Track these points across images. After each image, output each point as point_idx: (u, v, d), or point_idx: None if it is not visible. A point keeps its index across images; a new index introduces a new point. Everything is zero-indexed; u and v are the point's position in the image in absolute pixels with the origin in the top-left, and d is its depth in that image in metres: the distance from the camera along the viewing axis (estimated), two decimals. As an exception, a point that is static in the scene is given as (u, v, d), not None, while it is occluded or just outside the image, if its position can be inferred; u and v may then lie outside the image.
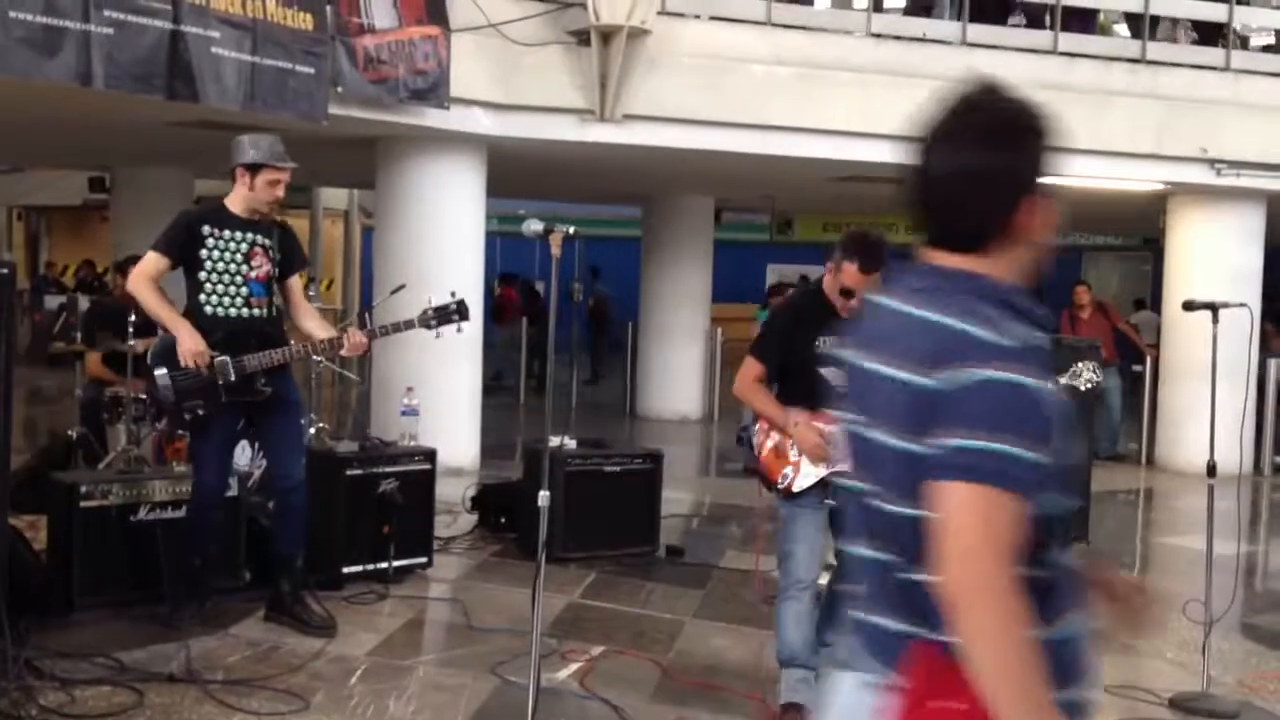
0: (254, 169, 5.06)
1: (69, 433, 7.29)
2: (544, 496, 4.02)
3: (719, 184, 13.38)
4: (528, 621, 3.97)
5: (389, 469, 6.12)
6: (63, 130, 10.08)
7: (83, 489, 5.31)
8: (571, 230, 4.08)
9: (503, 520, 7.26)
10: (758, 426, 4.57)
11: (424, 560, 6.30)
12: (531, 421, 13.31)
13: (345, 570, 5.91)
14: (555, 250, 4.02)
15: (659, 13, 9.27)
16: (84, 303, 13.26)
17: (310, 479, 6.27)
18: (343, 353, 5.24)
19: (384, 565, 6.02)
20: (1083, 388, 5.17)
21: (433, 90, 8.59)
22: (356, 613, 5.57)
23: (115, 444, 7.21)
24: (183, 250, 5.06)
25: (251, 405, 5.15)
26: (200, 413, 5.03)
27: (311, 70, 7.68)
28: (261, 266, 5.14)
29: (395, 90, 8.35)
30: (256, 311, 5.13)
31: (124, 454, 6.92)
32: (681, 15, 9.73)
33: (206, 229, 5.05)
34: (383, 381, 9.57)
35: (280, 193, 5.15)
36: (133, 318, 6.91)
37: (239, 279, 5.09)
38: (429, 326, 5.29)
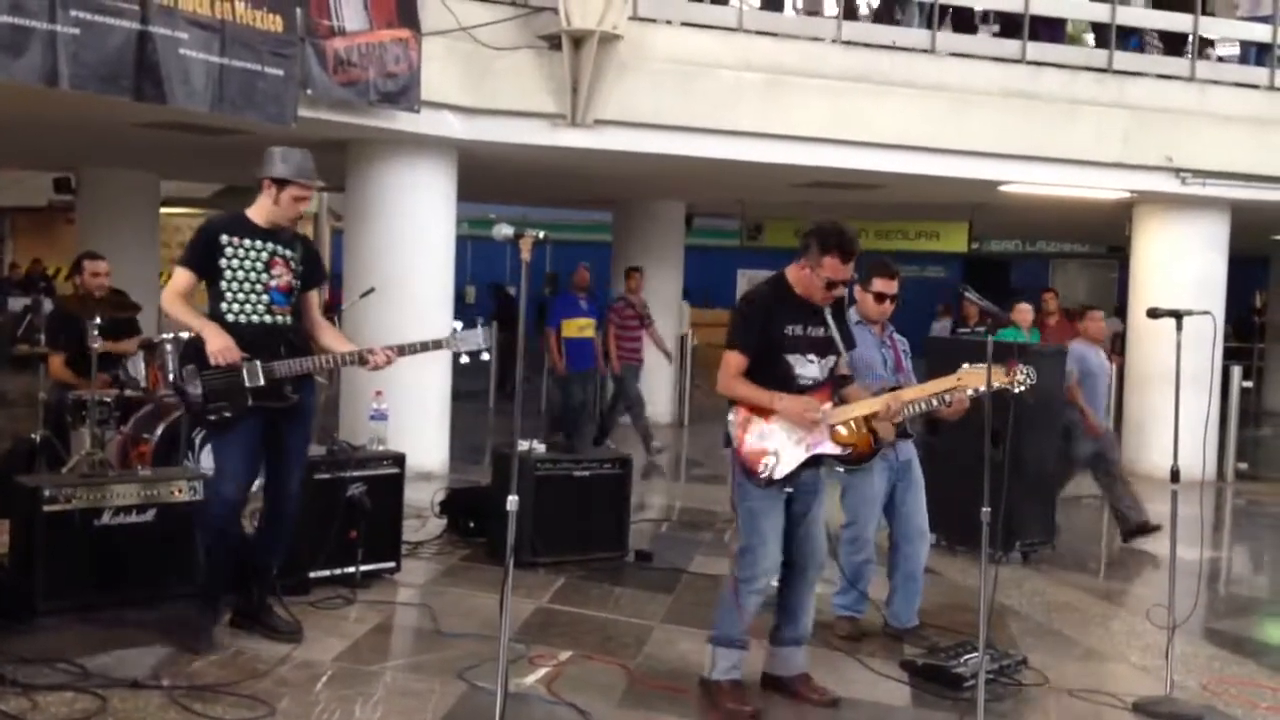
0: (281, 183, 5.04)
1: (33, 436, 7.22)
2: (512, 501, 4.01)
3: (689, 189, 13.41)
4: (496, 626, 3.96)
5: (357, 473, 6.08)
6: (28, 130, 9.99)
7: (46, 493, 5.25)
8: (542, 235, 4.08)
9: (471, 525, 7.24)
10: (734, 419, 4.60)
11: (392, 565, 6.27)
12: (501, 426, 13.29)
13: (312, 575, 5.87)
14: (525, 255, 4.02)
15: (630, 18, 9.29)
16: (48, 305, 13.14)
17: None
18: (372, 367, 5.14)
19: (352, 570, 5.98)
20: (1016, 389, 5.05)
21: (403, 93, 8.57)
22: (324, 618, 5.53)
23: (79, 447, 7.14)
24: (205, 262, 4.99)
25: (275, 412, 5.03)
26: (226, 414, 4.92)
27: (280, 72, 7.64)
28: (282, 276, 5.07)
29: (365, 93, 8.32)
30: (280, 319, 5.05)
31: (88, 457, 6.86)
32: (653, 21, 9.75)
33: (225, 238, 4.99)
34: (351, 385, 9.53)
35: (303, 208, 5.15)
36: (97, 320, 6.85)
37: (259, 286, 5.02)
38: (455, 350, 5.26)
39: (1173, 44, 11.53)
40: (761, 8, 11.01)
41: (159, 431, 7.16)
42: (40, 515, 5.21)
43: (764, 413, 4.55)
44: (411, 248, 9.49)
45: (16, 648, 4.73)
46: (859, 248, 4.57)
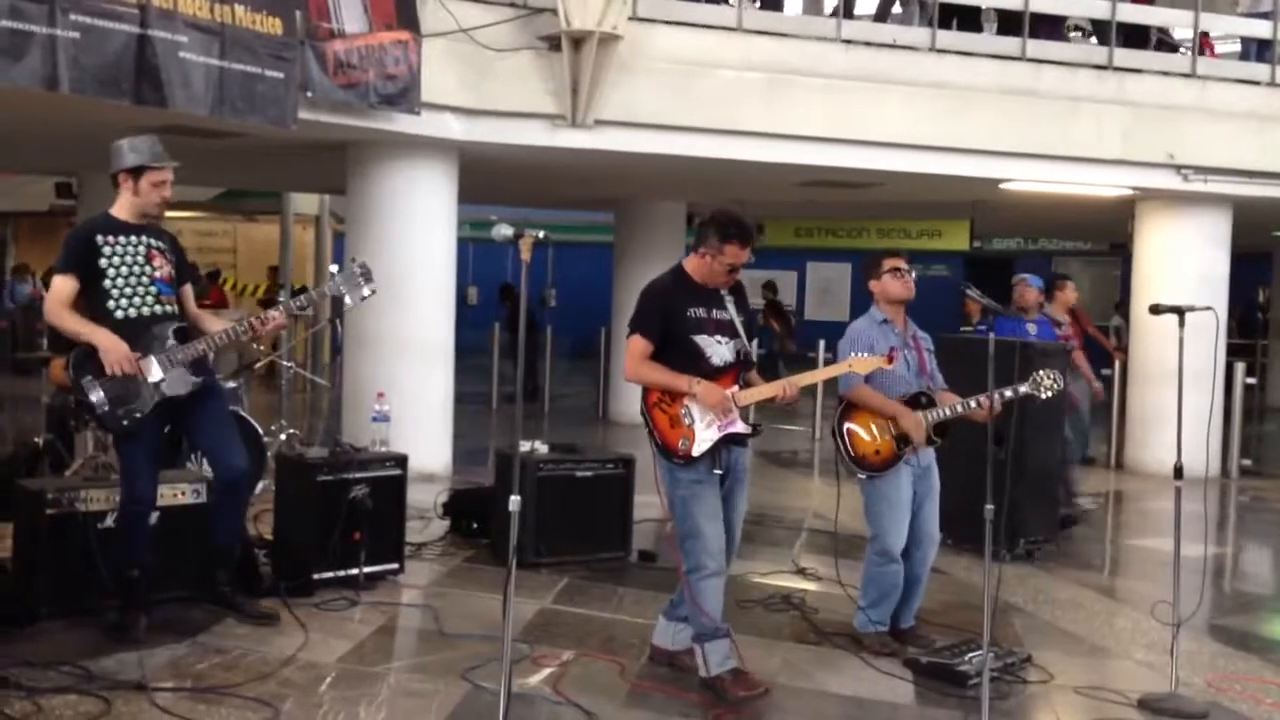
0: (136, 172, 5.02)
1: (36, 440, 7.22)
2: (515, 501, 4.01)
3: (690, 189, 13.40)
4: (499, 627, 3.96)
5: (360, 475, 6.07)
6: (29, 135, 9.99)
7: (49, 496, 5.26)
8: (542, 234, 4.08)
9: (475, 526, 7.24)
10: (644, 404, 4.75)
11: (395, 566, 6.26)
12: (504, 427, 13.28)
13: (316, 576, 5.86)
14: (525, 255, 4.02)
15: (630, 18, 9.28)
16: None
17: (281, 485, 6.22)
18: (264, 331, 5.16)
19: (355, 571, 5.97)
20: (1043, 395, 5.29)
21: (403, 95, 8.57)
22: (327, 619, 5.53)
23: (82, 451, 7.15)
24: (84, 264, 4.95)
25: (176, 403, 5.03)
26: (137, 415, 4.91)
27: (280, 75, 7.64)
28: (162, 267, 5.09)
29: (365, 95, 8.32)
30: (169, 308, 5.07)
31: (91, 461, 6.86)
32: (652, 21, 9.74)
33: (100, 238, 4.98)
34: (354, 387, 9.53)
35: (167, 193, 5.10)
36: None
37: (145, 278, 5.03)
38: (339, 295, 5.29)
39: (1162, 41, 11.50)
40: (762, 7, 11.00)
41: (162, 435, 7.15)
42: (43, 519, 5.21)
43: (673, 395, 4.69)
44: (413, 250, 9.48)
45: (20, 651, 4.73)
46: (755, 230, 4.81)
